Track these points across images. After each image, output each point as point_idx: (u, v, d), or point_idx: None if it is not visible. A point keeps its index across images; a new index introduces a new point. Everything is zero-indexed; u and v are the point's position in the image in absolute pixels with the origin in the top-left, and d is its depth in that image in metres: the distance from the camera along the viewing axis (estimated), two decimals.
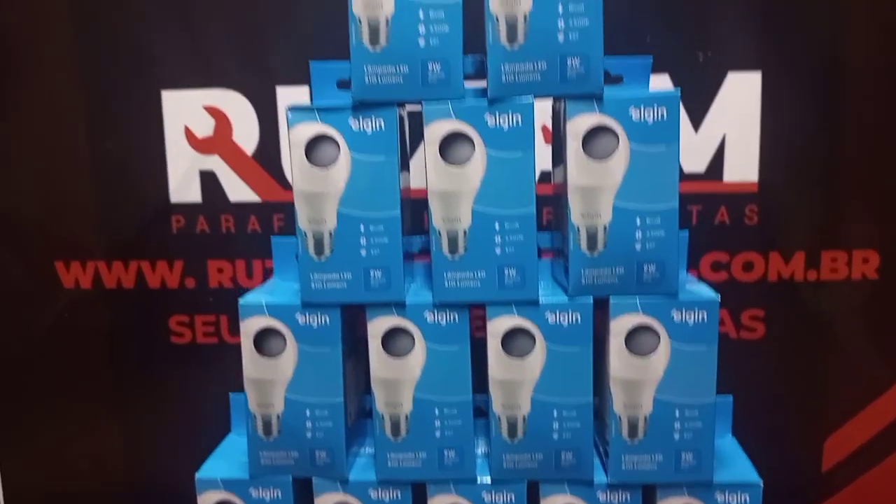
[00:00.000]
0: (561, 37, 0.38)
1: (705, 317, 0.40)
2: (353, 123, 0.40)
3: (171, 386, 0.76)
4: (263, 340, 0.42)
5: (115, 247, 0.74)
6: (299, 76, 0.69)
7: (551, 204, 0.53)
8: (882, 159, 0.69)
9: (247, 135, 0.71)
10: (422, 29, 0.38)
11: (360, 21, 0.38)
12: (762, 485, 0.42)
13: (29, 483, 0.80)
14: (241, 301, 0.43)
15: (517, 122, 0.39)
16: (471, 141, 0.39)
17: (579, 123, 0.39)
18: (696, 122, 0.68)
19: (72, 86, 0.71)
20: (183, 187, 0.72)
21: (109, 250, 0.74)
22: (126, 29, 0.70)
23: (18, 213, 0.74)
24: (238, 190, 0.72)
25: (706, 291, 0.42)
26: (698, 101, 0.68)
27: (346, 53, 0.44)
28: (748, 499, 0.40)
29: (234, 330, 0.74)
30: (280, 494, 0.42)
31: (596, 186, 0.40)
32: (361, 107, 0.40)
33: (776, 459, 0.70)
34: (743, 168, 0.69)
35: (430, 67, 0.38)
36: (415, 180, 0.56)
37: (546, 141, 0.63)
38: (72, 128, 0.72)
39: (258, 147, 0.71)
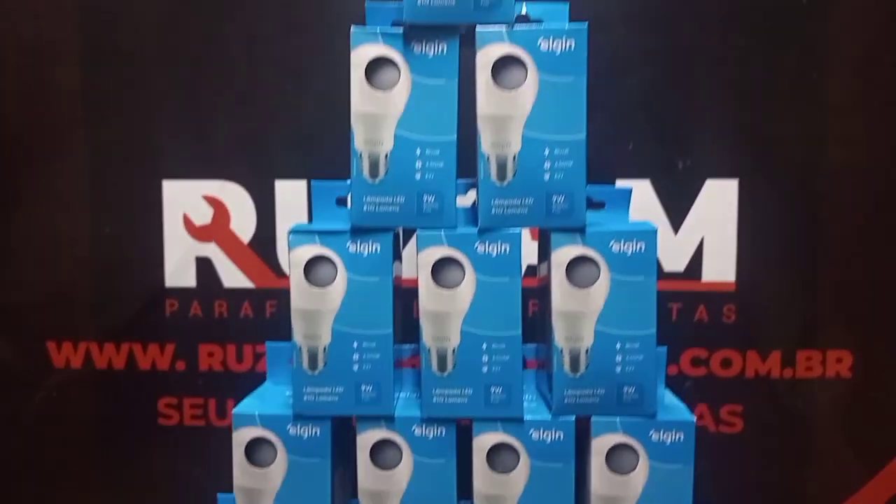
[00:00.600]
0: (547, 176, 0.40)
1: (682, 437, 0.42)
2: (351, 246, 0.42)
3: (156, 467, 0.77)
4: (254, 450, 0.44)
5: (109, 328, 0.75)
6: (297, 171, 0.72)
7: (536, 296, 0.55)
8: (854, 262, 0.72)
9: (244, 224, 0.73)
10: (418, 164, 0.40)
11: (360, 156, 0.41)
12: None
13: None
14: (235, 411, 0.44)
15: (505, 250, 0.41)
16: (461, 266, 0.41)
17: (563, 254, 0.41)
18: (676, 225, 0.71)
19: (76, 174, 0.73)
20: (179, 272, 0.74)
21: (102, 332, 0.75)
22: (132, 120, 0.72)
23: (16, 292, 0.75)
24: (233, 276, 0.74)
25: (684, 413, 0.44)
26: (678, 205, 0.71)
27: (343, 151, 0.46)
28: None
29: (222, 413, 0.75)
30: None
31: (579, 312, 0.42)
32: (359, 231, 0.42)
33: None
34: (720, 268, 0.72)
35: (425, 199, 0.40)
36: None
37: (532, 237, 0.66)
38: (73, 213, 0.74)
39: (254, 235, 0.73)
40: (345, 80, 0.46)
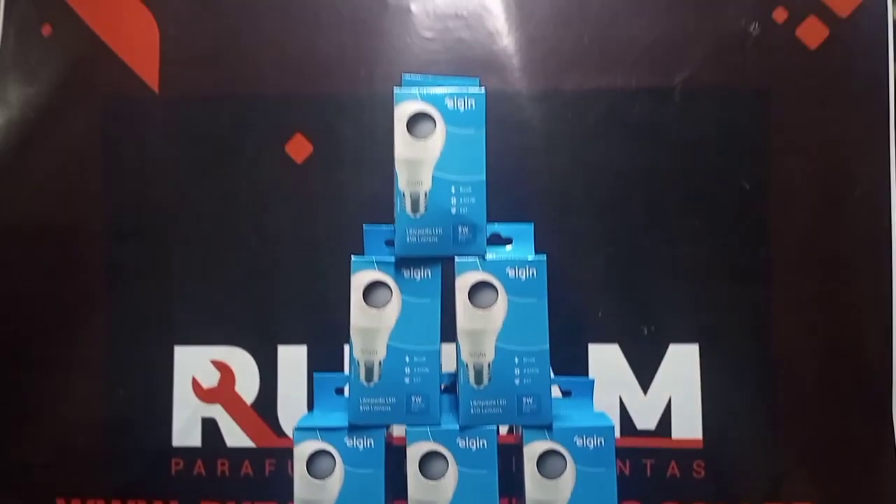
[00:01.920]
0: (517, 381, 0.47)
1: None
2: (348, 441, 0.48)
3: None
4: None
5: (117, 486, 0.79)
6: (297, 337, 0.79)
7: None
8: (814, 419, 0.78)
9: (248, 386, 0.79)
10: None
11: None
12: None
13: None
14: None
15: (483, 444, 0.47)
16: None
17: (533, 448, 0.47)
18: (645, 386, 0.78)
19: (94, 339, 0.80)
20: (185, 432, 0.79)
21: (111, 489, 0.79)
22: (148, 292, 0.80)
23: (29, 451, 0.80)
24: (235, 436, 0.79)
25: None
26: (645, 366, 0.78)
27: (343, 320, 0.53)
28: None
29: None
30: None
31: (550, 501, 0.47)
32: (355, 428, 0.48)
33: None
34: (688, 426, 0.77)
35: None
36: None
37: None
38: (89, 376, 0.80)
39: (257, 397, 0.79)
40: (343, 265, 0.53)
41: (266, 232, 0.80)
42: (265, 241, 0.80)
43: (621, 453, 0.78)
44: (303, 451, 0.48)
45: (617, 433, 0.77)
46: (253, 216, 0.81)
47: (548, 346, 0.49)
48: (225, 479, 0.79)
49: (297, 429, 0.49)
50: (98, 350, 0.80)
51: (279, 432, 0.78)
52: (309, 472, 0.48)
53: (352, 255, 0.53)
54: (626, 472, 0.78)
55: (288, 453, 0.78)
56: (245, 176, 0.81)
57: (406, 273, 0.49)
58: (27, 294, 0.81)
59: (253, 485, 0.78)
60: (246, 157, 0.81)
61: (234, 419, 0.79)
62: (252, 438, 0.79)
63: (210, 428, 0.79)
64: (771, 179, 0.80)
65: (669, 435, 0.78)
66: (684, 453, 0.77)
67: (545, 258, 0.50)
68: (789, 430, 0.78)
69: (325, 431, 0.48)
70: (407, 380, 0.48)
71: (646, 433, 0.78)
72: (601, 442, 0.47)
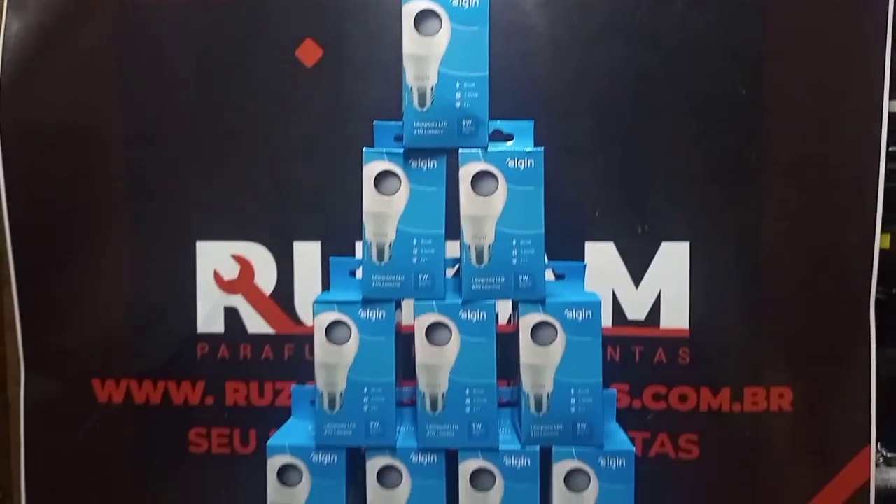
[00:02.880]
0: (515, 261, 0.52)
1: (624, 462, 0.53)
2: (362, 313, 0.54)
3: (187, 490, 0.87)
4: (284, 474, 0.55)
5: (147, 368, 0.86)
6: (311, 234, 0.84)
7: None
8: (792, 310, 0.84)
9: (266, 279, 0.85)
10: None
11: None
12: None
13: None
14: (269, 443, 0.55)
15: (483, 316, 0.53)
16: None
17: (528, 320, 0.53)
18: (637, 280, 0.83)
19: (122, 238, 0.85)
20: (209, 320, 0.85)
21: (142, 371, 0.86)
22: (171, 193, 0.85)
23: (66, 338, 0.87)
24: (256, 323, 0.85)
25: (626, 444, 0.55)
26: (638, 263, 0.83)
27: (350, 220, 0.57)
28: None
29: (245, 442, 0.86)
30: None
31: (541, 364, 0.53)
32: (368, 302, 0.54)
33: None
34: (676, 317, 0.83)
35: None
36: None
37: None
38: (120, 270, 0.86)
39: (275, 289, 0.85)
40: (354, 166, 0.58)
41: (280, 134, 0.84)
42: (279, 143, 0.84)
43: (612, 341, 0.84)
44: (322, 321, 0.54)
45: (609, 323, 0.84)
46: (267, 119, 0.84)
47: (543, 230, 0.54)
48: (247, 362, 0.86)
49: (317, 302, 0.54)
50: (126, 246, 0.85)
51: (297, 320, 0.85)
52: (327, 339, 0.54)
53: (364, 148, 0.57)
54: (617, 358, 0.84)
55: (305, 339, 0.85)
56: (258, 80, 0.84)
57: (413, 163, 0.54)
58: (55, 195, 0.86)
59: (273, 367, 0.85)
60: (258, 63, 0.84)
61: (255, 308, 0.85)
62: (272, 325, 0.85)
63: (232, 316, 0.85)
64: (766, 86, 0.82)
65: (658, 325, 0.84)
66: (671, 341, 0.84)
67: (543, 150, 0.54)
68: (770, 323, 0.84)
69: (342, 304, 0.54)
70: (414, 260, 0.53)
71: (636, 323, 0.84)
72: (589, 314, 0.53)
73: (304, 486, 0.54)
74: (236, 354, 0.86)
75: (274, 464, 0.55)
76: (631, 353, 0.84)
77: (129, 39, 0.85)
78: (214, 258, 0.85)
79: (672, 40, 0.82)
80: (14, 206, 0.85)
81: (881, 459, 0.98)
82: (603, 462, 0.54)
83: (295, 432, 0.58)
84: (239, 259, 0.85)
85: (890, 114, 0.82)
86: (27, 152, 0.85)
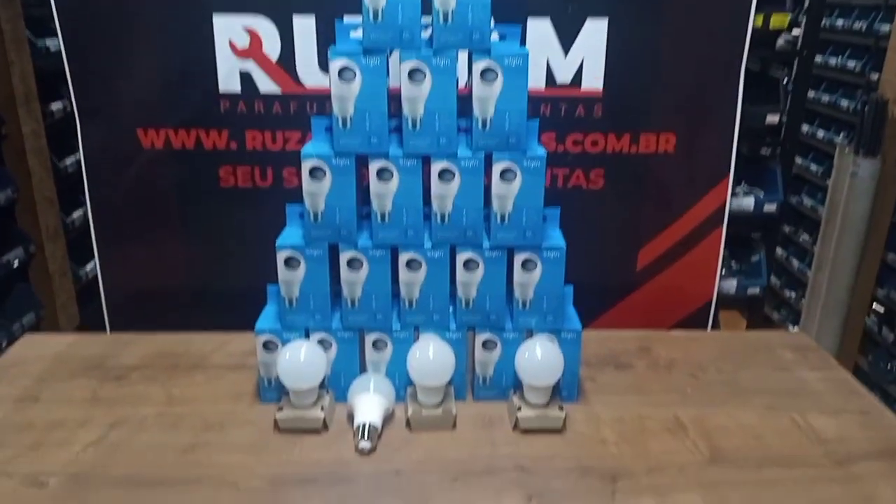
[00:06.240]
0: (470, 19, 0.76)
1: (538, 164, 0.80)
2: (364, 60, 0.77)
3: (219, 216, 1.14)
4: (314, 175, 0.80)
5: (181, 119, 1.09)
6: (309, 8, 1.04)
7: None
8: (681, 74, 1.09)
9: (272, 48, 1.06)
10: None
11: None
12: (565, 246, 0.82)
13: (122, 282, 1.18)
14: (303, 151, 0.80)
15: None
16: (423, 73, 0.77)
17: (479, 65, 0.77)
18: (566, 49, 1.07)
19: (147, 14, 1.04)
20: (227, 81, 1.07)
21: (176, 121, 1.09)
22: None
23: (112, 97, 1.08)
24: (266, 84, 1.08)
25: (539, 149, 0.82)
26: (567, 35, 1.06)
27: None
28: (558, 255, 0.81)
29: (264, 177, 1.12)
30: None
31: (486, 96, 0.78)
32: (369, 51, 0.77)
33: (604, 265, 1.14)
34: (593, 81, 1.08)
35: None
36: None
37: None
38: (149, 41, 1.05)
39: (280, 55, 1.06)
40: None
41: None
42: None
43: (544, 100, 1.10)
44: (336, 65, 0.77)
45: (542, 85, 1.08)
46: None
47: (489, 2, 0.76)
48: (261, 115, 1.09)
49: (332, 49, 0.77)
50: (155, 18, 1.04)
51: (298, 81, 1.07)
52: (339, 79, 0.77)
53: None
54: (547, 113, 1.10)
55: (306, 98, 1.08)
56: None
57: None
58: None
59: (282, 120, 1.09)
60: None
61: (265, 71, 1.07)
62: (279, 86, 1.08)
63: (246, 78, 1.07)
64: None
65: (580, 86, 1.09)
66: (589, 100, 1.10)
67: None
68: (664, 83, 1.10)
69: (350, 54, 0.77)
70: (400, 20, 0.76)
71: (563, 85, 1.09)
72: (520, 61, 0.77)
73: (327, 181, 0.80)
74: (252, 109, 1.09)
75: (307, 165, 0.80)
76: (558, 109, 1.10)
77: None
78: (229, 29, 1.05)
79: None
80: None
81: (740, 192, 1.30)
82: (525, 163, 0.80)
83: (320, 145, 0.82)
84: (249, 31, 1.05)
85: None
86: None
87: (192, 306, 1.16)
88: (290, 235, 0.82)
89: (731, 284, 1.31)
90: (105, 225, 1.15)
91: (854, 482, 0.71)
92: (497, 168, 0.79)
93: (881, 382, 1.59)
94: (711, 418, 0.81)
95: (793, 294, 2.04)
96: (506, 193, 0.80)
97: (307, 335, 0.82)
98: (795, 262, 2.03)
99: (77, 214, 1.64)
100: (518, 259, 0.81)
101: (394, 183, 0.80)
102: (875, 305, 1.64)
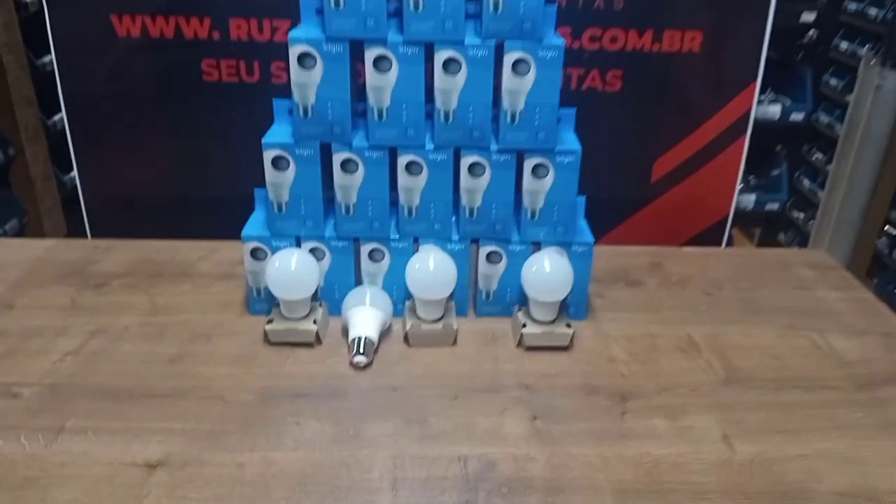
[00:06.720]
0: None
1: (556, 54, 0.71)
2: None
3: (202, 113, 1.06)
4: (302, 61, 0.72)
5: (159, 6, 0.99)
6: None
7: None
8: None
9: None
10: None
11: None
12: (580, 150, 0.75)
13: (101, 186, 1.11)
14: (290, 35, 0.71)
15: None
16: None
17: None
18: None
19: None
20: None
21: (153, 8, 0.99)
22: None
23: None
24: None
25: (558, 38, 0.73)
26: None
27: None
28: (573, 159, 0.74)
29: (251, 72, 1.03)
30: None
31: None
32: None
33: (616, 177, 1.07)
34: None
35: None
36: None
37: None
38: None
39: None
40: None
41: None
42: None
43: None
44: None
45: None
46: None
47: None
48: (246, 1, 0.99)
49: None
50: None
51: None
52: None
53: None
54: (563, 3, 1.00)
55: None
56: None
57: None
58: None
59: (270, 6, 0.99)
60: None
61: None
62: None
63: None
64: None
65: None
66: None
67: None
68: None
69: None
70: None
71: None
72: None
73: (318, 69, 0.72)
74: None
75: (295, 51, 0.71)
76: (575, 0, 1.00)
77: None
78: None
79: None
80: None
81: (766, 99, 1.22)
82: (540, 53, 0.72)
83: (310, 29, 0.73)
84: None
85: None
86: None
87: (178, 213, 1.10)
88: (278, 133, 0.74)
89: (749, 199, 1.24)
90: (81, 124, 1.06)
91: (877, 406, 0.67)
92: (509, 59, 0.71)
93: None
94: (726, 337, 0.76)
95: (801, 215, 1.96)
96: (517, 89, 0.71)
97: (298, 244, 0.76)
98: (806, 182, 1.95)
99: (59, 117, 1.55)
100: (528, 164, 0.73)
101: (393, 74, 0.71)
102: (888, 228, 1.58)
